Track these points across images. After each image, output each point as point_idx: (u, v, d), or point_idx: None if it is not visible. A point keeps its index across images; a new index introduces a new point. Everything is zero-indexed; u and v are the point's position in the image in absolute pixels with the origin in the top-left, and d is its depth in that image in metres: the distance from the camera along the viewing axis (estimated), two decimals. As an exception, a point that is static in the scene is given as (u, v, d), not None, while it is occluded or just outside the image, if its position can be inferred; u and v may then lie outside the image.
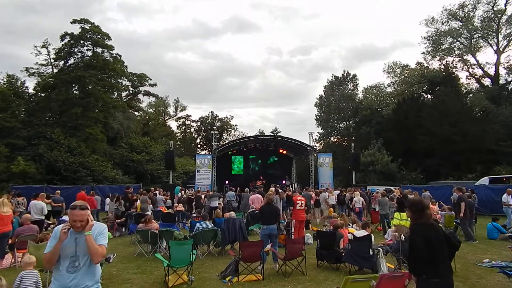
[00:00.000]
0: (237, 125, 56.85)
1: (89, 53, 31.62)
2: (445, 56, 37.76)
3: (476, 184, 18.71)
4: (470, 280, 6.41)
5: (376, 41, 79.63)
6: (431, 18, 37.83)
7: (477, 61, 36.41)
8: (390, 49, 71.89)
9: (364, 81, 74.06)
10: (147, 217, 9.47)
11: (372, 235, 7.31)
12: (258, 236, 10.02)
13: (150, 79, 42.86)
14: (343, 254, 7.19)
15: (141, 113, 47.09)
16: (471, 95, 35.35)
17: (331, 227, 8.64)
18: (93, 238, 2.84)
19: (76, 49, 31.13)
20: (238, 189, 18.65)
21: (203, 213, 10.29)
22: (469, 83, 38.24)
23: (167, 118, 54.13)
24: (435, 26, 37.78)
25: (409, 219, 9.54)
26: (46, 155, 24.78)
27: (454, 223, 11.03)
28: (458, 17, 36.40)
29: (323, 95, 44.33)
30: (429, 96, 36.54)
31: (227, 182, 26.17)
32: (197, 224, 9.03)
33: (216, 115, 54.94)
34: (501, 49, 34.41)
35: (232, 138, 50.83)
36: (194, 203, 15.47)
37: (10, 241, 7.98)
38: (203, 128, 54.02)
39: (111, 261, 7.14)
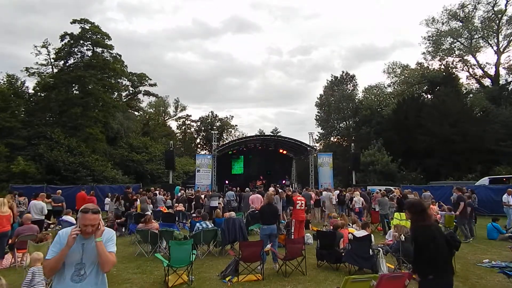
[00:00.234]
0: (237, 125, 56.94)
1: (89, 53, 31.71)
2: (445, 56, 37.78)
3: (476, 184, 18.70)
4: (470, 280, 6.41)
5: (376, 41, 79.69)
6: (432, 18, 37.91)
7: (477, 61, 36.48)
8: (390, 49, 71.97)
9: (364, 81, 74.14)
10: (147, 217, 9.47)
11: (372, 235, 7.31)
12: (258, 236, 10.02)
13: (150, 79, 42.97)
14: (343, 254, 7.19)
15: (141, 113, 47.13)
16: (471, 95, 35.35)
17: (331, 227, 8.64)
18: (103, 244, 2.64)
19: (76, 49, 31.20)
20: (238, 189, 18.65)
21: (203, 213, 10.29)
22: (469, 83, 38.34)
23: (167, 118, 54.19)
24: (435, 26, 37.84)
25: (408, 220, 9.57)
26: (46, 155, 24.79)
27: (454, 223, 11.02)
28: (458, 17, 36.40)
29: (323, 95, 44.36)
30: (429, 96, 36.54)
31: (227, 182, 26.16)
32: (197, 224, 9.03)
33: (216, 115, 55.04)
34: (501, 50, 34.44)
35: (232, 138, 50.85)
36: (194, 203, 15.47)
37: (10, 241, 7.98)
38: (203, 128, 54.03)
39: None
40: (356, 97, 42.27)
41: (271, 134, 45.41)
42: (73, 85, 30.98)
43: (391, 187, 18.46)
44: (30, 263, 6.15)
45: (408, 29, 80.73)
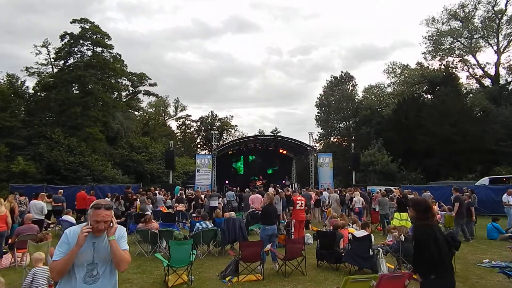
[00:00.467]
0: (237, 126, 56.92)
1: (89, 53, 31.71)
2: (445, 56, 37.79)
3: (476, 184, 18.70)
4: (470, 280, 6.41)
5: (376, 41, 79.64)
6: (432, 18, 37.92)
7: (477, 61, 36.48)
8: (390, 49, 71.93)
9: (364, 81, 74.17)
10: (147, 217, 9.47)
11: (372, 235, 7.31)
12: (258, 236, 10.01)
13: (150, 79, 42.93)
14: (343, 254, 7.19)
15: (141, 112, 47.13)
16: (471, 95, 35.36)
17: (331, 227, 8.64)
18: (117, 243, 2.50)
19: (76, 49, 31.20)
20: (238, 189, 18.64)
21: (203, 213, 10.29)
22: (469, 83, 38.36)
23: (167, 118, 54.20)
24: (435, 26, 37.85)
25: (409, 219, 9.58)
26: (46, 154, 24.79)
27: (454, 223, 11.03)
28: (458, 17, 36.39)
29: (323, 95, 44.37)
30: (429, 96, 36.53)
31: (227, 182, 26.17)
32: (197, 224, 9.03)
33: (216, 115, 55.04)
34: (501, 49, 34.44)
35: (232, 138, 50.84)
36: (193, 203, 15.47)
37: (10, 241, 7.98)
38: (203, 128, 54.04)
39: None
40: (356, 97, 42.28)
41: (271, 134, 45.42)
42: (73, 84, 30.98)
43: (391, 187, 18.47)
44: (31, 263, 6.16)
45: (408, 29, 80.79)
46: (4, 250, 8.18)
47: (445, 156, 26.78)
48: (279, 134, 46.10)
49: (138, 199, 13.66)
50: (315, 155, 26.28)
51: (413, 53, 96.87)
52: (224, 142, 38.40)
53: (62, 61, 31.70)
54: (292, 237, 8.93)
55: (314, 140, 35.62)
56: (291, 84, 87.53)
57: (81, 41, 30.96)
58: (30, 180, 22.94)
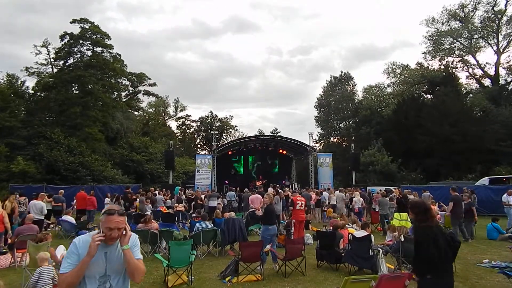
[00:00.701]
0: (237, 126, 56.94)
1: (89, 53, 31.69)
2: (445, 56, 37.80)
3: (476, 185, 18.70)
4: (470, 281, 6.41)
5: (376, 41, 79.59)
6: (431, 18, 37.92)
7: (477, 61, 36.48)
8: (390, 49, 71.92)
9: (364, 81, 74.06)
10: (146, 217, 9.47)
11: (372, 235, 7.31)
12: (257, 237, 10.02)
13: (150, 79, 42.90)
14: (343, 254, 7.19)
15: (141, 113, 47.13)
16: (471, 95, 35.39)
17: (331, 228, 8.64)
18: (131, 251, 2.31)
19: (75, 49, 31.19)
20: (238, 189, 18.63)
21: (203, 213, 10.30)
22: (469, 83, 38.35)
23: (167, 118, 54.19)
24: (435, 26, 37.85)
25: (409, 219, 9.59)
26: (46, 154, 24.78)
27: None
28: (458, 17, 36.41)
29: (322, 96, 44.38)
30: (429, 96, 36.57)
31: (226, 182, 26.15)
32: (197, 224, 9.04)
33: (216, 115, 55.06)
34: (501, 50, 34.44)
35: (232, 138, 50.83)
36: (193, 203, 15.46)
37: (10, 241, 7.97)
38: (203, 128, 54.05)
39: None
40: (356, 97, 42.30)
41: (271, 134, 45.41)
42: (73, 84, 30.97)
43: (391, 187, 18.48)
44: (31, 263, 6.16)
45: (408, 29, 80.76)
46: (4, 250, 8.18)
47: (445, 156, 26.79)
48: (279, 134, 46.09)
49: (138, 199, 13.66)
50: (315, 155, 26.28)
51: (413, 53, 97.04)
52: (224, 142, 38.39)
53: (62, 61, 31.70)
54: (292, 237, 8.93)
55: (314, 140, 35.66)
56: (291, 84, 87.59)
57: (81, 41, 30.96)
58: (30, 180, 22.93)
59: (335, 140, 43.64)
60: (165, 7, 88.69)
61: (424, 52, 38.69)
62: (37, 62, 31.84)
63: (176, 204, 15.32)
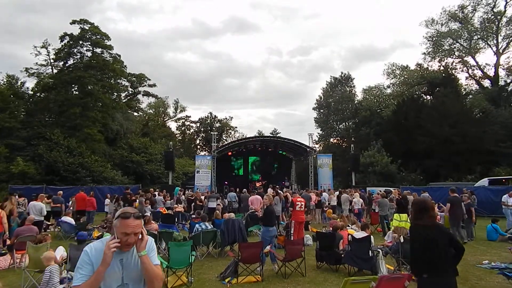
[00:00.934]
0: (236, 127, 56.98)
1: (89, 54, 31.69)
2: (444, 57, 37.85)
3: (475, 186, 18.70)
4: (469, 282, 6.40)
5: (375, 41, 79.79)
6: (431, 19, 38.00)
7: (477, 62, 36.55)
8: (389, 50, 72.11)
9: (364, 82, 74.39)
10: (146, 218, 9.45)
11: (371, 236, 7.31)
12: (257, 237, 10.01)
13: (149, 79, 42.91)
14: (342, 255, 7.18)
15: (141, 113, 47.13)
16: (470, 96, 35.43)
17: (331, 229, 8.63)
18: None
19: (75, 50, 31.18)
20: (238, 190, 18.62)
21: (202, 214, 10.30)
22: (468, 84, 38.39)
23: (167, 119, 54.19)
24: (434, 27, 37.92)
25: (408, 220, 9.60)
26: (46, 155, 24.77)
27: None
28: (457, 18, 36.48)
29: (322, 97, 44.41)
30: (428, 97, 36.60)
31: (226, 183, 26.16)
32: (197, 225, 9.03)
33: (215, 116, 55.14)
34: (500, 51, 34.51)
35: (232, 139, 50.86)
36: (193, 204, 15.45)
37: (9, 242, 7.96)
38: (202, 129, 54.08)
39: None
40: (356, 98, 42.33)
41: (271, 135, 45.42)
42: (73, 85, 30.95)
43: (391, 188, 18.48)
44: (31, 264, 6.15)
45: (408, 29, 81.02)
46: (3, 252, 8.17)
47: (444, 157, 26.81)
48: (278, 135, 46.10)
49: (137, 200, 13.66)
50: (314, 156, 26.29)
51: (412, 54, 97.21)
52: (224, 143, 38.41)
53: (62, 62, 31.67)
54: (292, 238, 8.93)
55: (314, 141, 35.65)
56: (291, 84, 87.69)
57: (80, 42, 30.95)
58: (29, 181, 22.91)
59: (335, 141, 43.66)
60: (165, 7, 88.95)
61: (424, 53, 38.87)
62: (37, 63, 31.81)
63: (176, 205, 15.32)
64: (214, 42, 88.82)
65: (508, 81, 34.72)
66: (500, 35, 34.31)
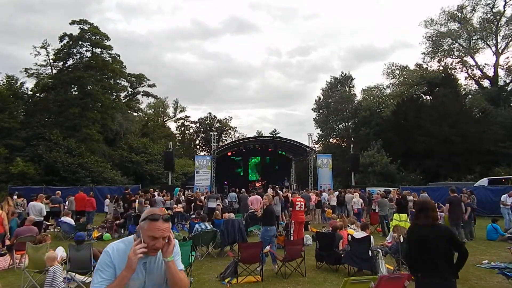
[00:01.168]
0: (236, 127, 56.99)
1: (88, 54, 31.71)
2: (444, 57, 37.87)
3: (475, 185, 18.72)
4: (469, 282, 6.40)
5: (375, 41, 79.91)
6: (430, 19, 38.01)
7: (476, 62, 36.58)
8: (389, 50, 72.18)
9: (363, 82, 74.39)
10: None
11: (371, 236, 7.31)
12: (257, 238, 10.01)
13: (149, 80, 42.90)
14: (342, 255, 7.18)
15: (140, 114, 47.13)
16: (470, 96, 35.45)
17: (330, 229, 8.63)
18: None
19: (75, 50, 31.23)
20: (237, 190, 18.61)
21: (202, 214, 10.29)
22: (468, 84, 38.40)
23: (166, 119, 54.21)
24: (434, 27, 37.95)
25: (408, 220, 9.61)
26: (45, 156, 24.77)
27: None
28: (457, 18, 36.51)
29: (321, 97, 44.42)
30: (428, 97, 36.62)
31: (226, 183, 26.15)
32: (196, 226, 9.02)
33: (215, 116, 55.16)
34: (499, 51, 34.53)
35: (231, 139, 50.87)
36: (193, 204, 15.44)
37: (9, 242, 7.95)
38: (202, 129, 54.08)
39: None
40: (355, 98, 42.35)
41: (270, 135, 45.42)
42: (72, 86, 30.96)
43: (390, 188, 18.48)
44: (30, 264, 6.15)
45: (408, 30, 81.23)
46: (3, 252, 8.17)
47: (444, 157, 26.82)
48: (278, 135, 46.12)
49: (137, 200, 13.65)
50: (314, 156, 26.29)
51: (412, 54, 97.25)
52: (223, 144, 38.42)
53: (61, 62, 31.68)
54: (292, 238, 8.93)
55: (313, 141, 35.65)
56: (290, 85, 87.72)
57: (80, 42, 30.97)
58: (29, 181, 22.91)
59: (335, 141, 43.66)
60: (164, 8, 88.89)
61: (423, 53, 38.87)
62: (36, 63, 31.80)
63: (175, 205, 15.31)
64: (213, 43, 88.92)
65: (508, 81, 34.76)
66: (499, 35, 34.40)
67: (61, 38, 30.40)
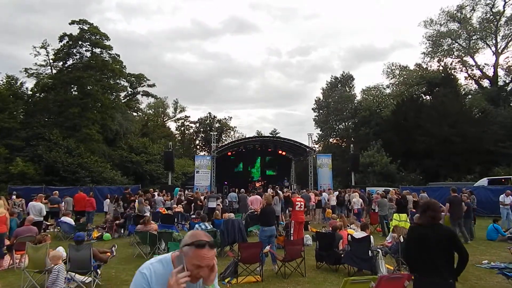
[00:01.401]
0: (236, 127, 56.98)
1: (88, 54, 31.68)
2: (444, 57, 37.87)
3: (475, 185, 18.72)
4: (469, 282, 6.41)
5: (375, 41, 79.93)
6: (430, 19, 38.00)
7: (476, 62, 36.58)
8: (389, 50, 72.19)
9: (363, 82, 74.39)
10: (145, 218, 9.47)
11: (371, 236, 7.31)
12: (257, 238, 10.00)
13: (149, 80, 42.87)
14: (342, 255, 7.18)
15: (140, 114, 47.13)
16: (470, 96, 35.44)
17: (330, 229, 8.64)
18: None
19: (74, 50, 31.19)
20: (237, 190, 18.61)
21: (202, 214, 10.29)
22: (468, 84, 38.40)
23: (166, 119, 54.21)
24: (433, 27, 37.96)
25: (408, 220, 9.61)
26: (45, 156, 24.76)
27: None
28: (456, 18, 36.51)
29: (321, 97, 44.43)
30: (428, 97, 36.61)
31: (226, 183, 26.15)
32: (196, 226, 9.03)
33: (215, 116, 55.16)
34: (499, 51, 34.54)
35: (231, 139, 50.87)
36: (193, 204, 15.44)
37: (9, 242, 7.95)
38: (202, 129, 54.08)
39: (114, 254, 7.27)
40: (356, 98, 42.37)
41: (270, 135, 45.43)
42: (72, 86, 30.95)
43: (390, 188, 18.48)
44: (30, 264, 6.15)
45: (407, 30, 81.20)
46: (4, 252, 8.15)
47: (444, 157, 26.82)
48: (278, 135, 46.13)
49: (136, 200, 13.65)
50: (314, 156, 26.28)
51: (412, 54, 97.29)
52: (223, 143, 38.41)
53: (61, 62, 31.65)
54: (292, 238, 8.92)
55: (313, 141, 35.65)
56: (290, 85, 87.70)
57: (80, 42, 30.94)
58: (29, 181, 22.90)
59: (334, 141, 43.68)
60: (164, 8, 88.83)
61: (423, 53, 38.85)
62: (36, 63, 31.75)
63: (175, 205, 15.31)
64: (213, 43, 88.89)
65: (507, 81, 34.76)
66: (499, 35, 34.40)
67: (61, 38, 30.38)
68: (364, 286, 4.22)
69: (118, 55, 33.79)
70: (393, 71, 40.24)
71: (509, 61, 34.29)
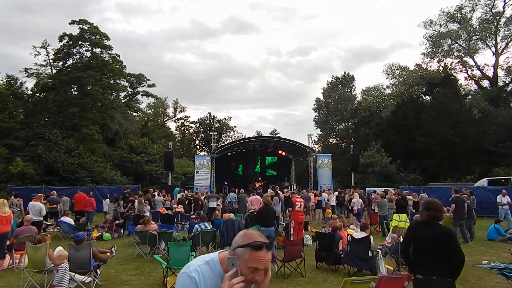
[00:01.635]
0: (235, 127, 56.98)
1: (88, 54, 31.67)
2: (444, 58, 37.90)
3: (475, 186, 18.72)
4: (469, 282, 6.40)
5: (375, 42, 80.00)
6: (429, 20, 38.03)
7: (476, 62, 36.63)
8: (389, 50, 72.21)
9: (363, 82, 74.45)
10: (145, 218, 9.45)
11: (371, 236, 7.31)
12: (257, 238, 9.98)
13: (148, 80, 42.84)
14: (342, 255, 7.18)
15: (140, 114, 47.11)
16: (470, 96, 35.49)
17: (330, 229, 8.63)
18: None
19: (74, 50, 31.15)
20: (237, 190, 18.61)
21: (202, 215, 10.27)
22: (467, 84, 38.45)
23: (166, 119, 54.21)
24: (433, 28, 37.99)
25: (408, 220, 9.60)
26: (45, 155, 24.75)
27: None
28: (456, 19, 36.52)
29: (321, 98, 44.47)
30: (428, 97, 36.64)
31: (226, 183, 26.13)
32: (196, 226, 9.02)
33: (214, 116, 55.18)
34: (499, 51, 34.59)
35: (231, 139, 50.88)
36: (193, 204, 15.43)
37: (8, 242, 7.94)
38: (202, 130, 54.10)
39: (113, 254, 7.27)
40: (355, 98, 42.38)
41: (270, 135, 45.43)
42: (72, 86, 30.96)
43: (390, 189, 18.48)
44: (33, 264, 6.14)
45: (407, 30, 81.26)
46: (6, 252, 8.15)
47: (444, 157, 26.84)
48: (278, 135, 46.12)
49: (136, 201, 13.64)
50: (314, 156, 26.28)
51: (412, 54, 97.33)
52: (223, 144, 38.42)
53: (61, 62, 31.62)
54: (291, 239, 8.92)
55: (313, 141, 35.66)
56: (290, 85, 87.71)
57: (80, 42, 30.92)
58: (28, 181, 22.90)
59: (334, 141, 43.70)
60: (163, 8, 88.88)
61: (423, 53, 38.89)
62: (36, 63, 31.74)
63: (175, 206, 15.29)
64: (213, 43, 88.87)
65: (507, 81, 34.80)
66: (499, 36, 34.45)
67: (61, 38, 30.36)
68: (364, 287, 4.22)
69: (118, 55, 33.83)
70: (393, 71, 40.32)
71: (509, 62, 34.41)
